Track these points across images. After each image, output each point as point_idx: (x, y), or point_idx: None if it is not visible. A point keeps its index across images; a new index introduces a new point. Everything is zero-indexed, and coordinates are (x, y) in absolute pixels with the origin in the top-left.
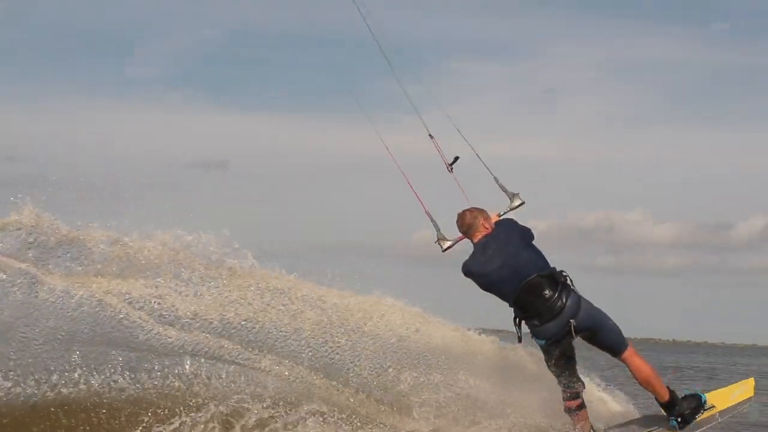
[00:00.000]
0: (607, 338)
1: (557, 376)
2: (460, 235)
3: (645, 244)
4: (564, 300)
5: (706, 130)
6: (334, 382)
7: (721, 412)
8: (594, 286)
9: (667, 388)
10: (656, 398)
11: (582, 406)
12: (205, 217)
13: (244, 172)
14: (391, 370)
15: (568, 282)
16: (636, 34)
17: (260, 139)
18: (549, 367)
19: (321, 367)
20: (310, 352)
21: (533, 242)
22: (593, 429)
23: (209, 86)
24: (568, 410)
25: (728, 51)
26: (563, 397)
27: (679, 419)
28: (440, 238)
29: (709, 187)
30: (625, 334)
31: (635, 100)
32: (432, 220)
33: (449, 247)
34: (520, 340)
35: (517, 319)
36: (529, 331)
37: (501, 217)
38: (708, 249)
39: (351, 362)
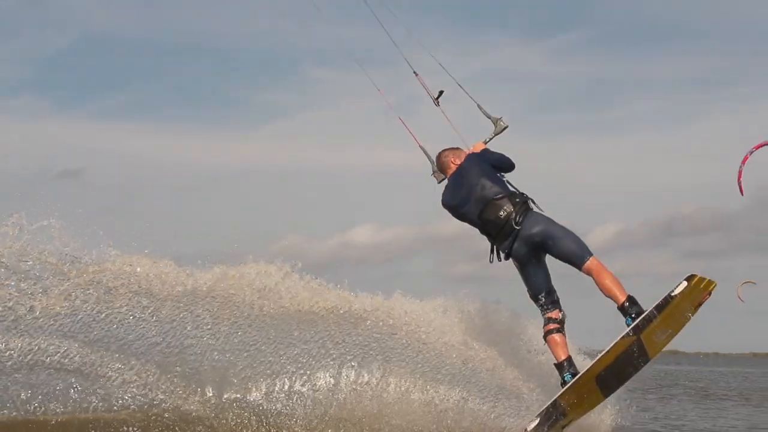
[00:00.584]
0: (565, 248)
1: (534, 301)
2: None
3: None
4: (519, 219)
5: (560, 138)
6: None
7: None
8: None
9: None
10: (616, 303)
11: (557, 331)
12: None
13: (98, 182)
14: None
15: (528, 203)
16: (497, 45)
17: (115, 146)
18: (527, 290)
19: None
20: None
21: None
22: (570, 359)
23: (55, 92)
24: (545, 334)
25: (581, 63)
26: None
27: (633, 315)
28: (434, 171)
29: (567, 192)
30: None
31: (497, 109)
32: (426, 155)
33: (443, 180)
34: (491, 261)
35: (491, 245)
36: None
37: (486, 143)
38: None
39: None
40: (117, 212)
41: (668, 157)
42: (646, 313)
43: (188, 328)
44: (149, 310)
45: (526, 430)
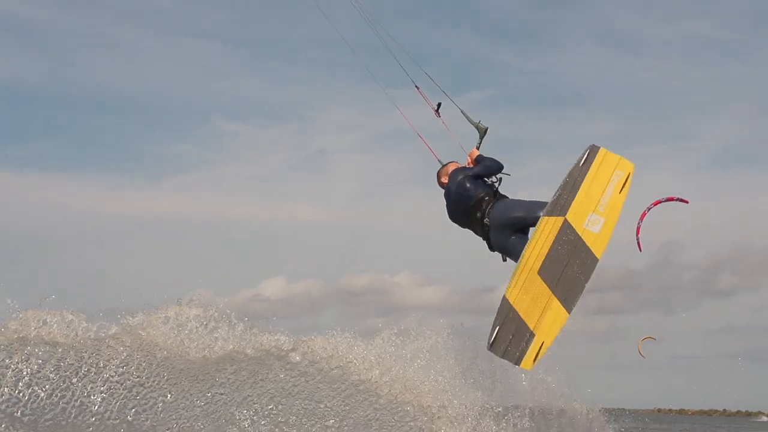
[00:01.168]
0: (521, 216)
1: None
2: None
3: (413, 307)
4: (486, 215)
5: None
6: None
7: None
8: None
9: None
10: None
11: None
12: None
13: None
14: None
15: (496, 195)
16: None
17: (17, 197)
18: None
19: None
20: None
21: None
22: None
23: None
24: None
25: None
26: None
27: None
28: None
29: (474, 250)
30: None
31: (400, 165)
32: (431, 150)
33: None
34: (504, 259)
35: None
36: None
37: (479, 148)
38: (475, 312)
39: None
40: (17, 264)
41: None
42: (556, 192)
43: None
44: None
45: (488, 341)
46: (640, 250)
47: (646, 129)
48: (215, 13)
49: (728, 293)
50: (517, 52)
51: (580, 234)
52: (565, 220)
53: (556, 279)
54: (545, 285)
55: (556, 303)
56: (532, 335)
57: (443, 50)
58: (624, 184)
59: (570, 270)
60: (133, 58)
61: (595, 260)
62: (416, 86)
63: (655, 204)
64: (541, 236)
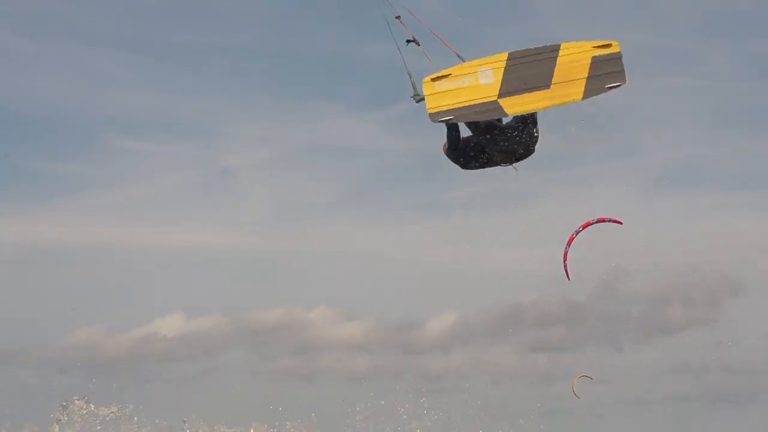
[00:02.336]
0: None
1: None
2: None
3: (331, 345)
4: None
5: (391, 221)
6: None
7: None
8: (277, 393)
9: None
10: None
11: None
12: None
13: None
14: None
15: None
16: (321, 118)
17: None
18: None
19: None
20: None
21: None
22: None
23: None
24: None
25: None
26: None
27: None
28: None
29: (398, 281)
30: None
31: (318, 186)
32: (410, 75)
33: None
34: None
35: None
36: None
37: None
38: (399, 350)
39: None
40: None
41: (502, 241)
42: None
43: None
44: None
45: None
46: (569, 279)
47: (585, 147)
48: (109, 18)
49: (680, 328)
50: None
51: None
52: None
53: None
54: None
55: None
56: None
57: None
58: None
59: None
60: (13, 67)
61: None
62: (397, 17)
63: (584, 227)
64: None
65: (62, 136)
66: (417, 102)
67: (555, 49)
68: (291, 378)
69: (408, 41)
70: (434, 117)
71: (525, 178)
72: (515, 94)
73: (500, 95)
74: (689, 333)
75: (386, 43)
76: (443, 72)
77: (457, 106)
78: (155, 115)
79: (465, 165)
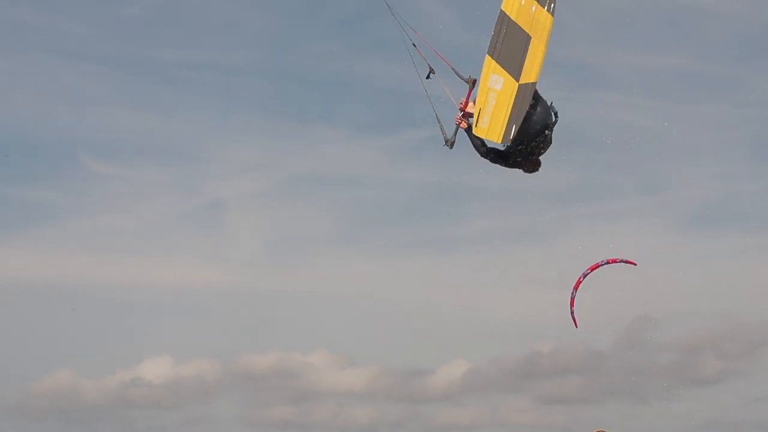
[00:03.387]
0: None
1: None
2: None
3: (330, 393)
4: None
5: (397, 258)
6: None
7: None
8: None
9: None
10: None
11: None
12: None
13: None
14: None
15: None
16: (321, 143)
17: None
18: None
19: None
20: None
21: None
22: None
23: None
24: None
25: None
26: None
27: None
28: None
29: (405, 325)
30: None
31: (317, 219)
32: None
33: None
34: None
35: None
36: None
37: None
38: (406, 399)
39: None
40: None
41: (518, 282)
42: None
43: None
44: None
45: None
46: (576, 326)
47: (610, 179)
48: (87, 29)
49: (712, 380)
50: None
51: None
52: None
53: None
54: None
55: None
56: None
57: None
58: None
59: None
60: None
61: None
62: (414, 44)
63: (592, 269)
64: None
65: (32, 159)
66: (450, 148)
67: (504, 18)
68: (286, 429)
69: (428, 75)
70: (506, 139)
71: (544, 213)
72: (520, 66)
73: (516, 78)
74: (722, 386)
75: (394, 62)
76: (475, 113)
77: (507, 118)
78: (136, 137)
79: (493, 160)
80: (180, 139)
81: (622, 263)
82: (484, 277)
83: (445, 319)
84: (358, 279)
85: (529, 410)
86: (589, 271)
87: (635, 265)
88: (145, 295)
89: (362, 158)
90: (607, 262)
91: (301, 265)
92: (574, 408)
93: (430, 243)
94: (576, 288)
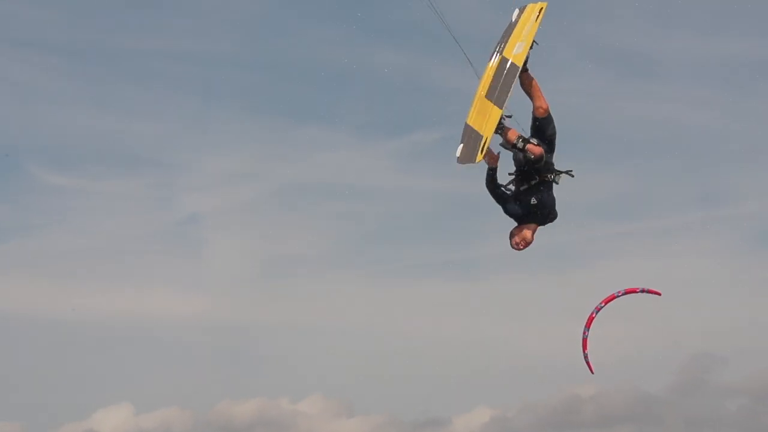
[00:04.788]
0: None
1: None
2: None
3: None
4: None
5: (404, 284)
6: None
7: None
8: None
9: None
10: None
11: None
12: None
13: None
14: None
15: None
16: (316, 148)
17: None
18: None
19: None
20: None
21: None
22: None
23: None
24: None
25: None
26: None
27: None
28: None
29: (416, 365)
30: None
31: (310, 238)
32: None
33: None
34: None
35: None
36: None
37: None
38: None
39: None
40: None
41: (551, 313)
42: (499, 40)
43: None
44: None
45: (456, 156)
46: (592, 372)
47: (662, 189)
48: (39, 13)
49: None
50: None
51: (508, 57)
52: (502, 56)
53: (494, 92)
54: (489, 101)
55: (493, 107)
56: (480, 137)
57: None
58: (539, 14)
59: (504, 82)
60: None
61: (517, 69)
62: (465, 56)
63: (607, 302)
64: (487, 72)
65: None
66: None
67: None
68: None
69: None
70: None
71: (583, 231)
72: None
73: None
74: None
75: (404, 50)
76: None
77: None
78: (95, 141)
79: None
80: (148, 144)
81: (643, 293)
82: (512, 306)
83: (464, 357)
84: (360, 310)
85: None
86: (603, 304)
87: (659, 295)
88: (102, 331)
89: (366, 165)
90: (625, 293)
91: (292, 294)
92: None
93: (446, 266)
94: (588, 326)
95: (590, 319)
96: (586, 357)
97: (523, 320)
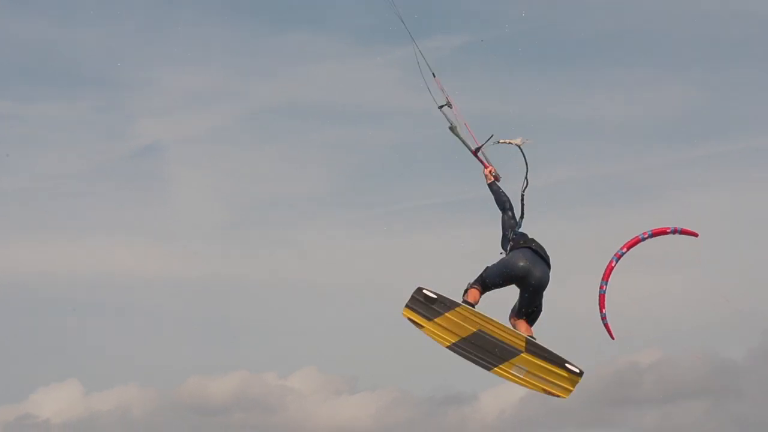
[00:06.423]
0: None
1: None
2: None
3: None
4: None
5: (423, 228)
6: None
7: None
8: None
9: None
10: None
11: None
12: None
13: None
14: None
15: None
16: (305, 59)
17: None
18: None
19: None
20: None
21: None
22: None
23: None
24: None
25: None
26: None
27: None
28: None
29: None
30: None
31: (299, 173)
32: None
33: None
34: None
35: None
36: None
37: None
38: None
39: None
40: None
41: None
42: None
43: None
44: None
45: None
46: (612, 338)
47: (734, 100)
48: None
49: None
50: None
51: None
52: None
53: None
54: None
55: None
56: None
57: None
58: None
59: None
60: None
61: (491, 366)
62: (433, 74)
63: (629, 246)
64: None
65: None
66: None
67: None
68: None
69: (441, 106)
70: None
71: (640, 160)
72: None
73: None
74: None
75: None
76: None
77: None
78: (23, 54)
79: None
80: (94, 57)
81: (675, 235)
82: (551, 251)
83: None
84: (361, 260)
85: None
86: (624, 250)
87: (696, 236)
88: (38, 293)
89: (365, 80)
90: (653, 235)
91: (276, 243)
92: None
93: (465, 204)
94: (606, 278)
95: (609, 269)
96: (604, 318)
97: (565, 269)
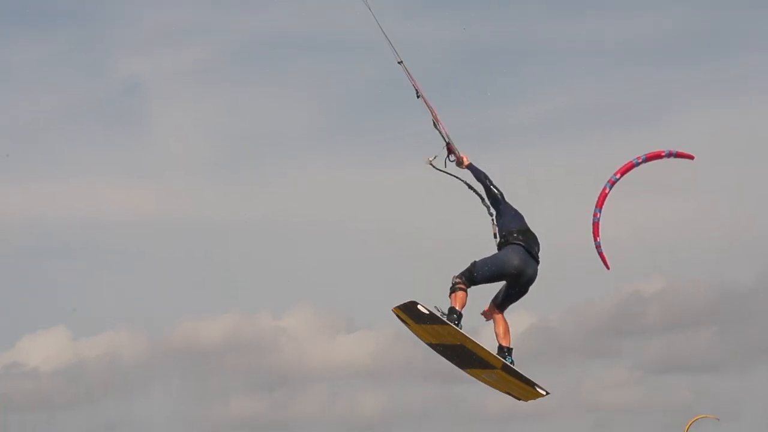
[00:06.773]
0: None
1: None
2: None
3: (317, 374)
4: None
5: (419, 161)
6: None
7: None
8: None
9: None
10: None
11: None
12: None
13: None
14: None
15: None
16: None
17: None
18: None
19: None
20: None
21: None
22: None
23: None
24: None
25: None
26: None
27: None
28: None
29: (430, 265)
30: None
31: (289, 107)
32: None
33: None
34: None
35: None
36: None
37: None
38: (437, 378)
39: None
40: None
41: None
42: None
43: None
44: None
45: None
46: (607, 267)
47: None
48: None
49: None
50: None
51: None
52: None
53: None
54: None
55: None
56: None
57: None
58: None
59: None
60: None
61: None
62: (399, 61)
63: (623, 172)
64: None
65: None
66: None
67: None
68: (254, 431)
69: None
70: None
71: (643, 79)
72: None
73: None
74: None
75: None
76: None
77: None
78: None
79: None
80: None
81: (670, 158)
82: (551, 176)
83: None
84: (356, 196)
85: (627, 384)
86: (618, 176)
87: (692, 159)
88: (22, 237)
89: (350, 11)
90: (647, 159)
91: (266, 179)
92: (697, 378)
93: (468, 136)
94: (599, 205)
95: (602, 197)
96: (598, 247)
97: (566, 196)
